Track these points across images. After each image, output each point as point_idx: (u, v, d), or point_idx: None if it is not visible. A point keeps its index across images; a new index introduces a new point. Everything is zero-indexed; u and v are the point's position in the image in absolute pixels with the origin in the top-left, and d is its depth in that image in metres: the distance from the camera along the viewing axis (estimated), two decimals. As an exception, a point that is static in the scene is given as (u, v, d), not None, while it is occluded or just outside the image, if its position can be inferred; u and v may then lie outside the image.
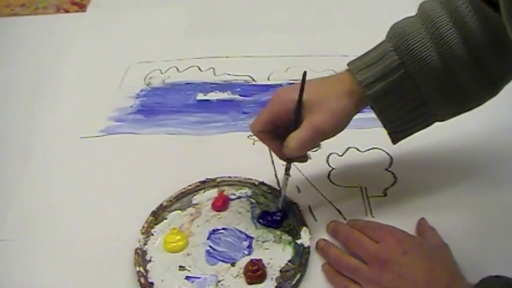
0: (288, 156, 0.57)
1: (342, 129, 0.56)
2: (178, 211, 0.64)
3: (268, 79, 0.82)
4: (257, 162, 0.69)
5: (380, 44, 0.56)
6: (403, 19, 0.56)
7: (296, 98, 0.55)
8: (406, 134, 0.59)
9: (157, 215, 0.63)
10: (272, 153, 0.69)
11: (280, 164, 0.68)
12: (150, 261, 0.59)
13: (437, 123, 0.58)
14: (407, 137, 0.59)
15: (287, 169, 0.59)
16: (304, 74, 0.55)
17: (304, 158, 0.60)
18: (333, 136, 0.57)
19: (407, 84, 0.54)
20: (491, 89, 0.56)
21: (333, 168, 0.68)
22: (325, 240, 0.59)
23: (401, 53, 0.54)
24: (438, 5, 0.54)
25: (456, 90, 0.55)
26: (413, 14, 0.55)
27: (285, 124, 0.56)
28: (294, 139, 0.54)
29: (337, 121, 0.55)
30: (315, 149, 0.66)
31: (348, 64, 0.57)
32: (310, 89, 0.55)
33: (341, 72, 0.57)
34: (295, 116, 0.55)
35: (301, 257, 0.58)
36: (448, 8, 0.53)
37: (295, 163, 0.61)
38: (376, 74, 0.54)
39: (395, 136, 0.59)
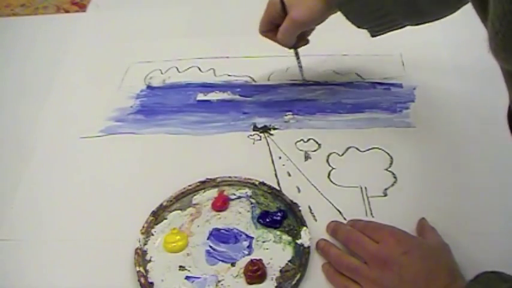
0: (283, 44, 0.71)
1: (317, 23, 0.68)
2: (178, 211, 0.64)
3: (268, 79, 0.82)
4: (257, 162, 0.69)
5: None
6: None
7: None
8: (382, 33, 0.66)
9: (157, 215, 0.63)
10: (272, 153, 0.70)
11: (281, 164, 0.68)
12: (150, 261, 0.59)
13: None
14: (385, 34, 0.66)
15: (296, 54, 0.75)
16: None
17: (303, 42, 0.73)
18: (310, 27, 0.69)
19: None
20: (445, 4, 0.61)
21: (333, 168, 0.68)
22: (325, 240, 0.59)
23: None
24: None
25: (411, 4, 0.60)
26: None
27: (279, 22, 0.68)
28: (280, 29, 0.68)
29: (310, 16, 0.66)
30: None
31: None
32: None
33: None
34: (282, 13, 0.68)
35: (301, 257, 0.58)
36: None
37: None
38: None
39: (372, 33, 0.66)
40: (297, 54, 0.75)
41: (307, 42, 0.73)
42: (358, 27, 0.65)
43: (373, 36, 0.67)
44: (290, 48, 0.73)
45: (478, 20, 0.63)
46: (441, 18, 0.63)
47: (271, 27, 0.70)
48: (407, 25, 0.65)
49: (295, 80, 0.81)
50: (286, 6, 0.67)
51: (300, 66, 0.76)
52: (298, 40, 0.72)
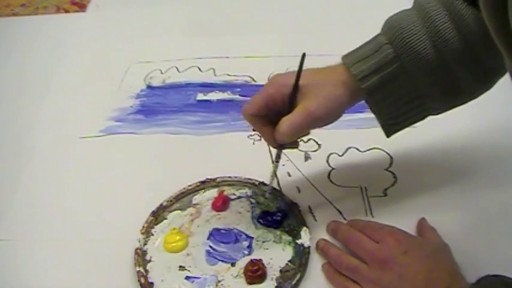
0: (279, 141, 0.55)
1: (335, 119, 0.56)
2: (178, 211, 0.64)
3: (268, 79, 0.81)
4: (257, 162, 0.68)
5: (375, 37, 0.56)
6: (398, 12, 0.55)
7: (292, 83, 0.54)
8: (400, 127, 0.58)
9: (157, 215, 0.63)
10: (272, 153, 0.69)
11: (281, 165, 0.68)
12: (150, 261, 0.59)
13: (438, 122, 0.58)
14: (401, 130, 0.59)
15: (277, 156, 0.58)
16: (303, 56, 0.55)
17: (295, 145, 0.59)
18: (325, 124, 0.56)
19: (402, 78, 0.54)
20: (485, 83, 0.56)
21: (333, 168, 0.68)
22: (325, 240, 0.59)
23: (397, 46, 0.53)
24: None
25: (451, 83, 0.54)
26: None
27: (278, 109, 0.55)
28: (286, 122, 0.54)
29: (331, 108, 0.54)
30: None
31: (343, 57, 0.56)
32: (306, 75, 0.55)
33: (336, 64, 0.56)
34: (289, 100, 0.54)
35: (301, 257, 0.58)
36: (444, 1, 0.53)
37: (292, 162, 0.62)
38: (371, 67, 0.54)
39: (389, 129, 0.58)
40: (278, 157, 0.58)
41: (297, 145, 0.59)
42: (378, 119, 0.57)
43: (387, 135, 0.59)
44: (277, 147, 0.58)
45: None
46: (475, 98, 0.57)
47: (264, 112, 0.55)
48: (431, 114, 0.58)
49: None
50: (300, 93, 0.54)
51: (275, 172, 0.60)
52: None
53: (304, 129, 0.55)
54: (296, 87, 0.54)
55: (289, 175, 0.67)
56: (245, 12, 0.96)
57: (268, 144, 0.59)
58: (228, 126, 0.75)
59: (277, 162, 0.59)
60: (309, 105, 0.53)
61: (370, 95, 0.55)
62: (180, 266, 0.58)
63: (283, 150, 0.59)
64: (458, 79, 0.54)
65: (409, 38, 0.53)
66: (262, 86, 0.79)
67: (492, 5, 0.35)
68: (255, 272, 0.56)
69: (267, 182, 0.65)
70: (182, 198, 0.65)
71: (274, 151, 0.70)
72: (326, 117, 0.55)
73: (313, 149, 0.70)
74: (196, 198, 0.65)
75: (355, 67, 0.54)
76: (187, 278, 0.57)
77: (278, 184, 0.66)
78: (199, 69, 0.85)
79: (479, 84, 0.56)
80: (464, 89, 0.55)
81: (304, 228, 0.60)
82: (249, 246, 0.59)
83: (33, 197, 0.68)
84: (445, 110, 0.58)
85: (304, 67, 0.77)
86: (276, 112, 0.55)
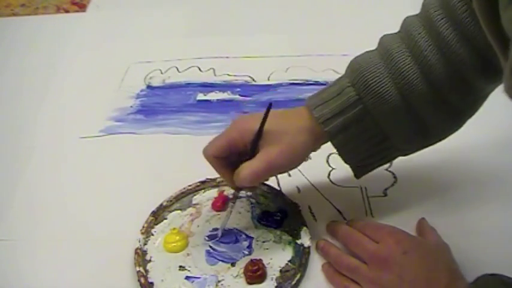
0: (238, 185, 0.55)
1: (297, 165, 0.56)
2: (178, 211, 0.64)
3: (268, 79, 0.82)
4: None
5: (338, 79, 0.55)
6: (363, 53, 0.55)
7: (256, 128, 0.53)
8: (369, 168, 0.58)
9: (157, 215, 0.63)
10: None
11: (280, 164, 0.68)
12: (150, 261, 0.59)
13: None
14: (371, 171, 0.58)
15: (234, 197, 0.58)
16: (269, 106, 0.54)
17: (254, 188, 0.59)
18: (286, 171, 0.57)
19: (366, 120, 0.53)
20: (454, 123, 0.55)
21: (333, 168, 0.68)
22: (325, 240, 0.59)
23: (359, 89, 0.52)
24: (397, 39, 0.53)
25: (417, 125, 0.53)
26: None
27: (240, 152, 0.55)
28: (247, 169, 0.53)
29: (293, 156, 0.54)
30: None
31: (306, 100, 0.56)
32: (270, 121, 0.54)
33: (300, 107, 0.56)
34: (251, 146, 0.54)
35: (301, 257, 0.58)
36: (408, 42, 0.52)
37: (247, 191, 0.61)
38: (334, 110, 0.53)
39: (358, 171, 0.58)
40: (235, 198, 0.59)
41: (256, 188, 0.61)
42: (346, 161, 0.57)
43: (357, 176, 0.58)
44: (235, 189, 0.58)
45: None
46: (444, 139, 0.56)
47: (225, 155, 0.55)
48: (400, 155, 0.57)
49: (295, 80, 0.81)
50: (263, 139, 0.53)
51: (228, 216, 0.60)
52: None
53: (264, 176, 0.55)
54: (259, 134, 0.53)
55: (289, 175, 0.67)
56: (245, 12, 0.96)
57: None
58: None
59: (233, 203, 0.59)
60: (270, 153, 0.53)
61: (334, 137, 0.54)
62: (180, 266, 0.58)
63: None
64: (424, 120, 0.53)
65: (371, 80, 0.52)
66: (262, 86, 0.81)
67: None
68: (255, 272, 0.56)
69: (267, 182, 0.65)
70: (182, 198, 0.65)
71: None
72: (287, 166, 0.55)
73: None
74: (196, 198, 0.65)
75: (317, 110, 0.54)
76: (187, 278, 0.57)
77: (278, 184, 0.66)
78: (199, 69, 0.85)
79: (447, 125, 0.55)
80: (431, 130, 0.54)
81: (304, 228, 0.60)
82: (249, 246, 0.59)
83: (33, 197, 0.68)
84: (415, 150, 0.57)
85: (304, 66, 0.77)
86: (236, 155, 0.55)
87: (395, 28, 0.55)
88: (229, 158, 0.55)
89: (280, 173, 0.57)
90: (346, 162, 0.57)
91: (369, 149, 0.55)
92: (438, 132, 0.55)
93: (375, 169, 0.58)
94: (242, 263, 0.57)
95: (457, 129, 0.56)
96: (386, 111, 0.52)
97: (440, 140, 0.56)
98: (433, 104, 0.52)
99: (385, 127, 0.53)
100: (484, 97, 0.54)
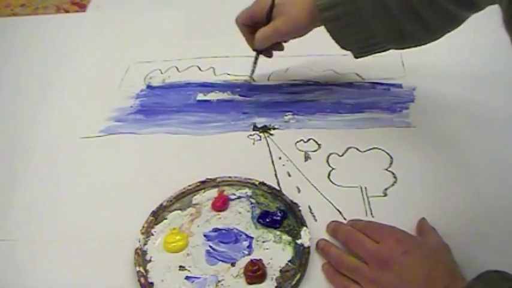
0: (256, 46, 0.73)
1: (299, 35, 0.69)
2: (178, 211, 0.64)
3: (268, 79, 0.82)
4: (257, 162, 0.69)
5: None
6: None
7: (270, 2, 0.69)
8: (365, 55, 0.68)
9: (157, 215, 0.63)
10: (272, 153, 0.70)
11: (281, 164, 0.68)
12: (150, 261, 0.59)
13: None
14: (367, 56, 0.68)
15: (257, 57, 0.76)
16: None
17: (269, 53, 0.76)
18: (292, 38, 0.71)
19: (356, 16, 0.63)
20: (429, 35, 0.64)
21: (333, 168, 0.68)
22: (325, 240, 0.59)
23: None
24: None
25: (395, 28, 0.62)
26: None
27: (260, 22, 0.70)
28: (260, 33, 0.70)
29: (294, 27, 0.68)
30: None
31: None
32: None
33: None
34: (266, 16, 0.70)
35: (301, 257, 0.58)
36: None
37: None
38: (332, 2, 0.63)
39: (355, 54, 0.68)
40: (257, 58, 0.76)
41: (282, 48, 0.75)
42: (342, 47, 0.67)
43: (356, 57, 0.68)
44: (255, 51, 0.75)
45: (478, 22, 0.63)
46: (423, 44, 0.65)
47: (250, 23, 0.72)
48: (391, 48, 0.66)
49: (295, 80, 0.81)
50: (274, 12, 0.69)
51: (253, 69, 0.77)
52: (273, 45, 0.74)
53: (272, 39, 0.71)
54: (271, 7, 0.69)
55: (289, 175, 0.67)
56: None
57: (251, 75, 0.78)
58: (228, 126, 0.75)
59: (257, 59, 0.76)
60: (277, 22, 0.69)
61: (328, 23, 0.65)
62: (180, 266, 0.58)
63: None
64: (400, 25, 0.62)
65: None
66: (262, 86, 0.81)
67: None
68: (255, 272, 0.56)
69: (267, 182, 0.65)
70: (182, 198, 0.65)
71: (274, 151, 0.70)
72: (289, 33, 0.70)
73: (313, 149, 0.70)
74: (196, 198, 0.65)
75: None
76: (187, 278, 0.57)
77: (278, 184, 0.66)
78: (199, 69, 0.85)
79: (423, 35, 0.63)
80: (406, 35, 0.63)
81: (304, 228, 0.60)
82: (249, 246, 0.59)
83: (33, 197, 0.68)
84: (401, 49, 0.67)
85: (304, 66, 0.77)
86: (259, 24, 0.71)
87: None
88: (254, 26, 0.72)
89: (287, 38, 0.72)
90: (342, 47, 0.67)
91: (359, 41, 0.65)
92: (414, 39, 0.65)
93: (371, 55, 0.68)
94: (242, 263, 0.57)
95: (434, 40, 0.65)
96: (371, 11, 0.62)
97: (418, 45, 0.65)
98: (407, 14, 0.61)
99: (371, 25, 0.63)
100: (459, 21, 0.63)
